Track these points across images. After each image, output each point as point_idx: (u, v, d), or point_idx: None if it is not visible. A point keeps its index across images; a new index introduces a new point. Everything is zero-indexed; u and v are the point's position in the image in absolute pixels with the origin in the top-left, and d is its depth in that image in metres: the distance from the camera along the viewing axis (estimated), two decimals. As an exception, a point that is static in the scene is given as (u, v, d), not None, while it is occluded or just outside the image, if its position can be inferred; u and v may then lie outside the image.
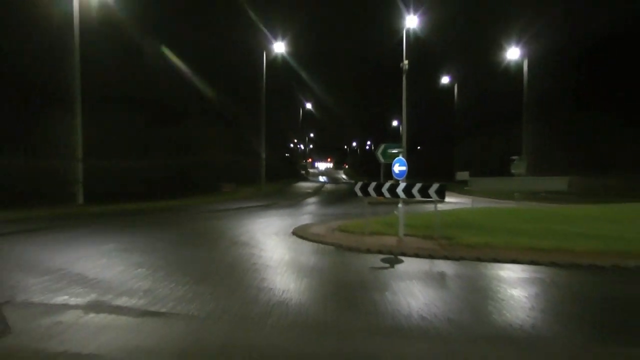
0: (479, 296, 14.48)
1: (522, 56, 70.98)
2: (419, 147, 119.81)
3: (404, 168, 28.17)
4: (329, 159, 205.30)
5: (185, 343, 10.15)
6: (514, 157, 49.66)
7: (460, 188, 65.46)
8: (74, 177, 43.79)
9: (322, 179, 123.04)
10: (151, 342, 10.11)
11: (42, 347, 9.33)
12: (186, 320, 11.72)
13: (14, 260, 18.62)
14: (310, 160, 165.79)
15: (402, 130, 46.07)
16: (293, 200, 61.94)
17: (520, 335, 10.85)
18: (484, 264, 19.13)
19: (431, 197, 23.36)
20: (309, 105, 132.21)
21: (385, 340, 10.56)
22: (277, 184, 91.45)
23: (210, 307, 12.89)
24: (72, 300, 13.30)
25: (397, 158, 29.59)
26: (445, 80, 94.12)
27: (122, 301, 13.28)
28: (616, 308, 13.70)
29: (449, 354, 9.72)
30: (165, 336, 10.60)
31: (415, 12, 49.70)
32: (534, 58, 71.45)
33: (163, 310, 12.48)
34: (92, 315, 11.94)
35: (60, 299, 13.52)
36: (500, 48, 75.36)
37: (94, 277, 16.23)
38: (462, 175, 74.74)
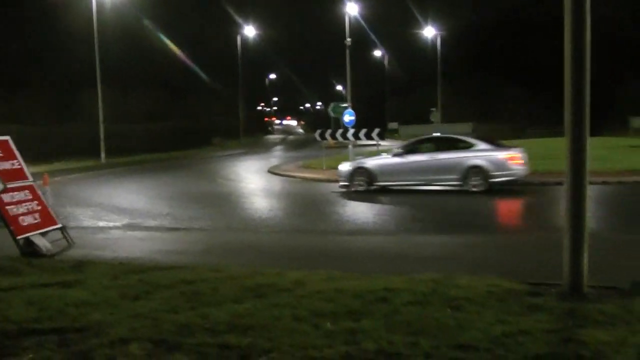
0: (416, 207, 14.89)
1: (437, 33, 71.47)
2: (356, 106, 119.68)
3: (352, 117, 28.23)
4: (288, 117, 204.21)
5: (204, 245, 10.43)
6: (432, 109, 50.08)
7: (392, 135, 65.91)
8: (99, 138, 43.37)
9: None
10: (179, 246, 10.38)
11: (101, 254, 9.52)
12: (201, 232, 11.99)
13: (63, 198, 18.65)
14: (274, 118, 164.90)
15: (347, 91, 46.02)
16: (265, 148, 61.95)
17: (450, 230, 11.27)
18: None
19: (374, 139, 23.76)
20: (272, 75, 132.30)
21: (349, 237, 10.94)
22: (252, 137, 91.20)
23: (216, 223, 13.18)
24: (112, 224, 13.47)
25: (346, 110, 29.72)
26: (377, 53, 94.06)
27: (150, 222, 13.47)
28: (509, 210, 14.22)
29: (397, 242, 10.13)
30: (187, 242, 10.88)
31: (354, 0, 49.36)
32: (448, 33, 71.90)
33: (183, 226, 12.71)
34: (129, 232, 12.16)
35: (103, 223, 13.69)
36: (421, 26, 75.59)
37: (125, 207, 16.36)
38: (393, 125, 75.47)
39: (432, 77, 70.65)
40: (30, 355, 4.58)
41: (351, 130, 24.99)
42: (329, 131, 25.86)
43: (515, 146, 18.30)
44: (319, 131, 26.61)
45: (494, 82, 68.56)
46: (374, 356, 4.40)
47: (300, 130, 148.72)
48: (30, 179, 10.43)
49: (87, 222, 13.79)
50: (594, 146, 23.07)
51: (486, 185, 16.10)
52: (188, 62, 67.52)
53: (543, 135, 52.19)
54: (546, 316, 5.14)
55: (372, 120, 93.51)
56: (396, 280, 6.44)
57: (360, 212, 14.16)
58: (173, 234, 11.80)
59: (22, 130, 33.86)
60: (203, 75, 72.90)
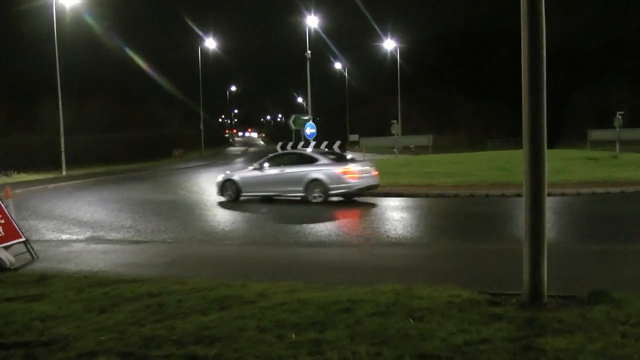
0: (377, 219, 15.07)
1: (396, 45, 72.19)
2: (317, 118, 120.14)
3: (313, 130, 28.53)
4: (249, 130, 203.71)
5: (168, 258, 10.38)
6: (392, 121, 50.37)
7: (353, 147, 66.13)
8: (59, 149, 42.78)
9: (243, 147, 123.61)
10: (142, 259, 10.34)
11: (64, 267, 9.47)
12: (164, 245, 11.95)
13: (25, 211, 18.39)
14: (235, 130, 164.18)
15: (308, 103, 46.29)
16: (226, 160, 61.79)
17: (411, 242, 11.42)
18: (378, 198, 19.56)
19: (335, 151, 23.96)
20: (233, 88, 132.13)
21: (314, 249, 11.01)
22: (213, 149, 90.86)
23: (179, 235, 13.12)
24: (75, 237, 13.36)
25: (308, 123, 29.89)
26: (339, 65, 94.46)
27: (113, 235, 13.35)
28: (474, 221, 14.52)
29: (360, 254, 10.22)
30: (151, 255, 10.83)
31: (315, 13, 49.68)
32: (407, 46, 72.75)
33: (146, 239, 12.66)
34: (93, 245, 12.04)
35: (66, 236, 13.57)
36: (380, 39, 76.40)
37: (87, 220, 16.22)
38: (353, 137, 75.75)
39: (392, 89, 71.41)
40: (-4, 370, 4.58)
41: (312, 143, 25.17)
42: (290, 144, 25.95)
43: (359, 161, 21.10)
44: (280, 143, 26.74)
45: (453, 94, 69.80)
46: (338, 366, 4.51)
47: (261, 142, 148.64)
48: (-8, 192, 10.34)
49: (50, 235, 13.65)
50: (552, 158, 23.75)
51: (325, 197, 17.87)
52: (149, 71, 67.19)
53: (503, 147, 53.07)
54: (506, 325, 5.30)
55: (334, 132, 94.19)
56: (359, 291, 6.55)
57: (323, 225, 14.24)
58: (136, 247, 11.75)
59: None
60: (164, 85, 72.66)
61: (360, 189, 18.34)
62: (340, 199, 18.65)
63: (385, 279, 7.26)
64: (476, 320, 5.45)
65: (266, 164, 19.30)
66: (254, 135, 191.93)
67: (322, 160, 18.44)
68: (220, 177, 20.40)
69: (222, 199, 19.80)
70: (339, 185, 17.77)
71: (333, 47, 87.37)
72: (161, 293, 6.83)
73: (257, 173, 19.33)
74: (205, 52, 73.79)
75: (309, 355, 4.69)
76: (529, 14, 6.14)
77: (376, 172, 19.08)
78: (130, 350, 4.89)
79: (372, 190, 19.07)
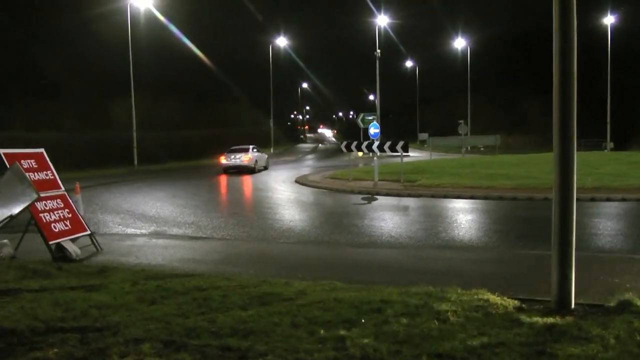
0: (431, 220, 15.30)
1: (467, 44, 71.63)
2: (390, 115, 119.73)
3: (377, 130, 28.90)
4: (321, 126, 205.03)
5: (222, 254, 10.95)
6: (460, 121, 50.14)
7: (421, 146, 66.05)
8: (131, 144, 44.44)
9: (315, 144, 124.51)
10: (198, 255, 10.91)
11: (125, 260, 10.16)
12: (221, 242, 12.52)
13: (95, 205, 19.41)
14: (307, 127, 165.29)
15: (377, 102, 46.55)
16: (295, 157, 62.61)
17: (460, 244, 11.66)
18: (437, 199, 19.88)
19: (398, 152, 24.19)
20: (305, 85, 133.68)
21: (364, 250, 11.39)
22: (284, 145, 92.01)
23: (238, 232, 13.68)
24: (139, 231, 14.14)
25: (372, 123, 30.24)
26: (409, 64, 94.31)
27: (175, 231, 14.09)
28: (527, 225, 14.56)
29: (406, 256, 10.55)
30: (207, 251, 11.40)
31: (385, 12, 50.04)
32: (477, 44, 72.09)
33: (205, 235, 13.30)
34: (154, 240, 12.73)
35: (131, 230, 14.37)
36: (450, 37, 75.95)
37: (153, 215, 17.05)
38: (423, 136, 75.54)
39: (462, 88, 70.82)
40: (55, 350, 5.17)
41: (376, 143, 25.48)
42: (354, 142, 26.31)
43: None
44: (344, 143, 27.18)
45: (524, 93, 68.44)
46: (358, 361, 4.90)
47: (333, 139, 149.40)
48: (62, 188, 11.18)
49: (116, 229, 14.49)
50: (616, 161, 23.38)
51: None
52: (220, 70, 68.64)
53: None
54: (526, 330, 5.52)
55: (404, 130, 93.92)
56: (393, 292, 6.90)
57: (378, 224, 14.57)
58: (194, 243, 12.36)
59: (57, 137, 35.01)
60: (234, 84, 74.09)
61: None
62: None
63: (424, 281, 7.55)
64: (498, 325, 5.70)
65: None
66: (327, 132, 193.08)
67: None
68: None
69: (285, 192, 20.27)
70: None
71: (403, 46, 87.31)
72: (208, 288, 7.35)
73: None
74: (276, 51, 75.05)
75: (334, 350, 5.08)
76: (561, 11, 6.19)
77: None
78: (173, 339, 5.41)
79: (432, 192, 19.04)
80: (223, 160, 36.78)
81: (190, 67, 64.60)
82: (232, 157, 36.50)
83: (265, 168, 39.09)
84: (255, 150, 37.85)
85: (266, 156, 41.20)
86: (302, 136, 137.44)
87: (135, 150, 44.20)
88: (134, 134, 44.34)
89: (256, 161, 36.83)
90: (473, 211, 16.85)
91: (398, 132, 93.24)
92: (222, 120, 72.69)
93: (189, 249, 11.68)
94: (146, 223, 15.43)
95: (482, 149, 57.16)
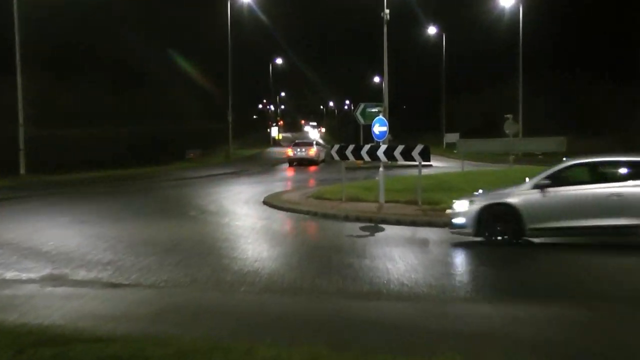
0: (461, 261, 15.24)
1: (517, 2, 70.35)
2: (403, 107, 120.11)
3: (384, 129, 28.54)
4: (302, 121, 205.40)
5: (155, 308, 10.83)
6: (507, 116, 50.15)
7: (450, 151, 66.23)
8: (16, 146, 43.88)
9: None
10: (119, 310, 10.80)
11: (4, 318, 9.98)
12: (153, 290, 12.43)
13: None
14: (281, 122, 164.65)
15: (384, 87, 46.65)
16: (264, 166, 62.60)
17: (504, 296, 11.60)
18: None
19: (414, 160, 24.04)
20: (279, 61, 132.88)
21: (362, 303, 11.32)
22: (247, 149, 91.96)
23: (178, 276, 13.58)
24: (26, 275, 13.94)
25: (377, 118, 30.04)
26: (432, 31, 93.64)
27: (82, 275, 13.89)
28: (610, 270, 14.52)
29: (424, 312, 10.48)
30: (133, 303, 11.32)
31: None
32: (532, 9, 71.64)
33: (128, 282, 13.17)
34: (50, 289, 12.57)
35: (13, 274, 14.12)
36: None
37: (49, 250, 16.85)
38: (451, 137, 75.85)
39: (509, 71, 70.89)
40: None
41: (383, 147, 25.36)
42: (350, 147, 26.16)
43: None
44: (336, 147, 27.03)
45: (598, 80, 68.52)
46: None
47: (319, 141, 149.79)
48: None
49: (-9, 272, 14.32)
50: None
51: None
52: (152, 40, 68.39)
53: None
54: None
55: (424, 129, 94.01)
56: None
57: (383, 266, 14.52)
58: (113, 292, 12.25)
59: None
60: (174, 64, 73.80)
61: None
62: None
63: (449, 349, 7.50)
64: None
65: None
66: (312, 130, 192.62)
67: None
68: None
69: (248, 218, 20.16)
70: None
71: (423, 9, 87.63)
72: (131, 358, 7.25)
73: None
74: (237, 11, 74.70)
75: None
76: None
77: None
78: None
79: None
80: (289, 152, 62.07)
81: (112, 34, 64.45)
82: (298, 150, 60.79)
83: (324, 161, 59.17)
84: (316, 144, 64.60)
85: (324, 150, 57.87)
86: (276, 137, 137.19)
87: (21, 154, 43.77)
88: (21, 131, 43.91)
89: (319, 154, 60.12)
90: (524, 253, 16.80)
91: (414, 132, 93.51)
92: (159, 113, 72.10)
93: (103, 300, 11.57)
94: (38, 262, 15.26)
95: (540, 156, 57.25)
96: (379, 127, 27.88)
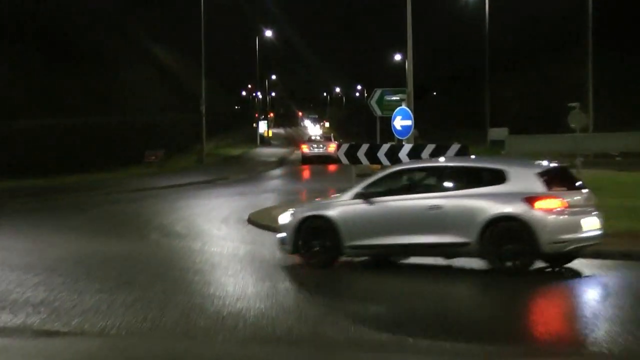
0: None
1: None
2: (434, 93, 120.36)
3: (408, 122, 28.47)
4: (299, 113, 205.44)
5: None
6: (572, 105, 49.90)
7: (498, 151, 66.22)
8: None
9: None
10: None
11: None
12: (102, 339, 12.26)
13: None
14: (271, 114, 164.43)
15: (407, 67, 46.47)
16: (249, 172, 62.56)
17: None
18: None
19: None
20: (268, 33, 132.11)
21: (384, 355, 11.15)
22: (227, 148, 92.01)
23: (135, 320, 13.41)
24: None
25: (398, 108, 29.91)
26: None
27: (4, 320, 13.65)
28: None
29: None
30: (70, 357, 11.14)
31: None
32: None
33: (66, 329, 12.96)
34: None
35: None
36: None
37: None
38: (498, 133, 75.69)
39: (572, 46, 70.81)
40: None
41: (406, 147, 25.25)
42: (363, 147, 26.03)
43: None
44: (345, 147, 26.90)
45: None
46: None
47: (318, 137, 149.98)
48: None
49: None
50: None
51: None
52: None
53: None
54: None
55: (461, 122, 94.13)
56: None
57: (410, 303, 14.42)
58: (48, 343, 12.16)
59: None
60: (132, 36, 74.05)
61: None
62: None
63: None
64: None
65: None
66: (310, 124, 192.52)
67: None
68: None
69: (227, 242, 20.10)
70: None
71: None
72: None
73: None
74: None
75: None
76: None
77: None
78: None
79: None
80: (305, 149, 65.44)
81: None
82: (315, 146, 64.27)
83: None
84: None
85: None
86: (265, 135, 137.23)
87: None
88: None
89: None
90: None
91: (448, 127, 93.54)
92: (107, 100, 71.98)
93: (33, 354, 11.41)
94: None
95: (618, 157, 57.15)
96: (402, 121, 27.88)
